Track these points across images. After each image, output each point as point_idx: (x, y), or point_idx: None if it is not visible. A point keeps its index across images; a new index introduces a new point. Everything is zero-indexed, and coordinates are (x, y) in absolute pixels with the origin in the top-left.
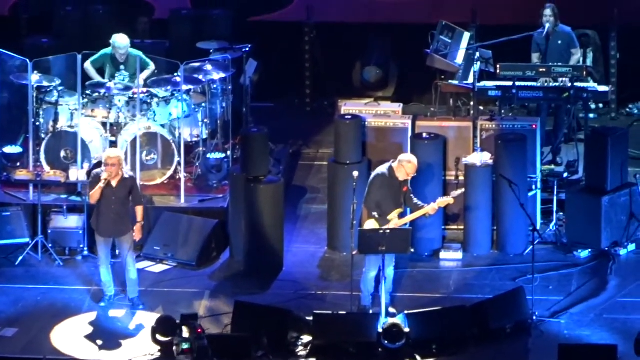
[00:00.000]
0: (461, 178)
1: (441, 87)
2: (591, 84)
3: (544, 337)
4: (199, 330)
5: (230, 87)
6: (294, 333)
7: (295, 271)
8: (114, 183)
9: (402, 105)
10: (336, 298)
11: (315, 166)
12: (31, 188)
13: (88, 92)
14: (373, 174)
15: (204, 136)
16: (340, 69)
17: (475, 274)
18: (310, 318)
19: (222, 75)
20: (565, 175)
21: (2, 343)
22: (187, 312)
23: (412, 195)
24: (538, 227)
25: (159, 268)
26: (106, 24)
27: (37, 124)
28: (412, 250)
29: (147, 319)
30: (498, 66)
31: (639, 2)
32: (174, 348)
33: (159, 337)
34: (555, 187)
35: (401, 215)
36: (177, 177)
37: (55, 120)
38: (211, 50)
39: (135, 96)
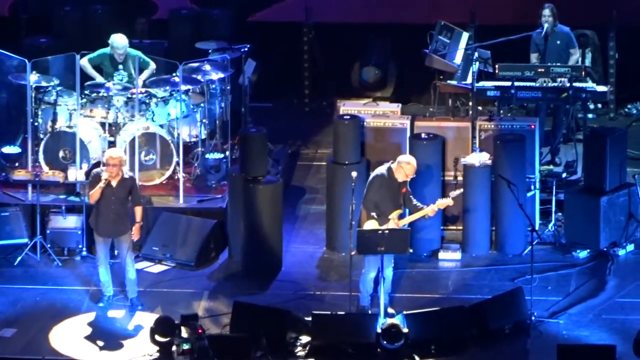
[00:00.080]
0: (460, 178)
1: (440, 87)
2: (590, 84)
3: (543, 338)
4: (200, 331)
5: (229, 87)
6: (292, 333)
7: (294, 271)
8: (114, 183)
9: (400, 105)
10: (335, 298)
11: (314, 166)
12: (30, 188)
13: (87, 92)
14: (372, 174)
15: (203, 136)
16: (339, 69)
17: (474, 274)
18: (309, 318)
19: (221, 75)
20: (564, 175)
21: (1, 343)
22: (187, 313)
23: (411, 196)
24: (537, 228)
25: (157, 268)
26: (105, 24)
27: (36, 124)
28: (411, 250)
29: (146, 319)
30: (497, 66)
31: (638, 2)
32: (175, 349)
33: (157, 337)
34: (554, 187)
35: (400, 217)
36: (176, 177)
37: (54, 121)
38: (210, 51)
39: (134, 96)
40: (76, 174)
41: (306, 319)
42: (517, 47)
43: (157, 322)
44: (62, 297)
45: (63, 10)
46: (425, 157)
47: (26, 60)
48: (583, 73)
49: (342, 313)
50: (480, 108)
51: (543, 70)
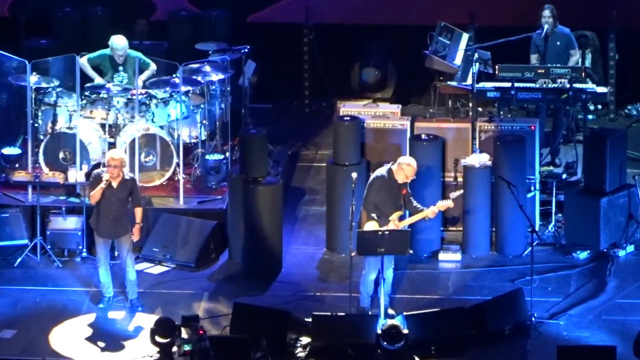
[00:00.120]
0: (460, 179)
1: (440, 88)
2: (590, 85)
3: (543, 339)
4: (201, 332)
5: (229, 89)
6: (292, 334)
7: (294, 272)
8: (114, 184)
9: (400, 106)
10: (335, 299)
11: (314, 167)
12: (30, 189)
13: (87, 93)
14: (372, 176)
15: (203, 137)
16: (338, 71)
17: (474, 275)
18: (309, 319)
19: (221, 76)
20: (564, 176)
21: (1, 345)
22: (187, 314)
23: (411, 198)
24: (537, 229)
25: (157, 269)
26: (105, 26)
27: (36, 125)
28: (411, 251)
29: (146, 320)
30: (497, 67)
31: (638, 3)
32: (176, 350)
33: (157, 338)
34: (554, 188)
35: (400, 218)
36: (176, 178)
37: (54, 122)
38: (210, 52)
39: (134, 97)
40: (76, 175)
41: (306, 320)
42: (517, 48)
43: (157, 323)
44: (62, 298)
45: (63, 11)
46: (425, 158)
47: (26, 62)
48: (583, 74)
49: (342, 314)
50: (480, 109)
51: (543, 71)
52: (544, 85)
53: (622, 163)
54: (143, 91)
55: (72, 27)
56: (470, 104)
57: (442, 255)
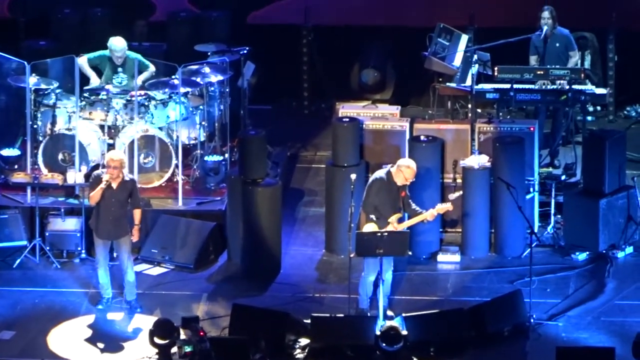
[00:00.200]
0: (459, 181)
1: (439, 89)
2: (589, 87)
3: (542, 340)
4: (202, 333)
5: (228, 90)
6: (291, 336)
7: (293, 274)
8: (114, 185)
9: (399, 107)
10: (334, 301)
11: (313, 169)
12: (29, 191)
13: (86, 94)
14: (371, 178)
15: (202, 139)
16: (338, 72)
17: (473, 276)
18: (308, 321)
19: (220, 77)
20: (563, 177)
21: (0, 346)
22: (187, 315)
23: (410, 201)
24: (536, 230)
25: (156, 271)
26: (104, 27)
27: (35, 126)
28: (410, 253)
29: (145, 321)
30: (496, 69)
31: (637, 4)
32: (177, 351)
33: (156, 339)
34: (553, 189)
35: (400, 221)
36: (175, 179)
37: (53, 123)
38: (209, 53)
39: (133, 99)
40: (75, 177)
41: (305, 321)
42: (517, 49)
43: (156, 324)
44: (61, 299)
45: (62, 12)
46: (425, 160)
47: (25, 63)
48: (582, 75)
49: (341, 315)
50: (479, 110)
51: (542, 72)
52: (543, 87)
53: (621, 164)
54: (142, 92)
55: (71, 28)
56: (470, 106)
57: (441, 257)
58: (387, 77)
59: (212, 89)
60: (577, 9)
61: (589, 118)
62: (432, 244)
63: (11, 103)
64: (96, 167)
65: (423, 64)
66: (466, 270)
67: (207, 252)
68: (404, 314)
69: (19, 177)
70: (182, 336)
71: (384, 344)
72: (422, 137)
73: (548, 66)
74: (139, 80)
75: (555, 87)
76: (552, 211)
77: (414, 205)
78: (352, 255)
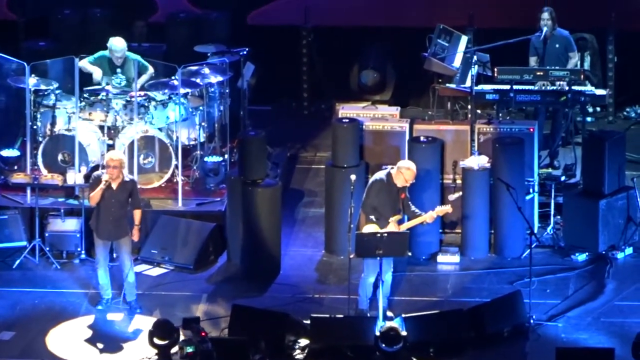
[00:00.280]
0: (459, 181)
1: (439, 90)
2: (589, 88)
3: (541, 341)
4: (203, 334)
5: (227, 91)
6: (291, 336)
7: (293, 274)
8: (114, 185)
9: (399, 108)
10: (333, 301)
11: (313, 169)
12: (29, 191)
13: (85, 95)
14: (371, 179)
15: (202, 139)
16: (337, 73)
17: (473, 277)
18: (308, 321)
19: (220, 78)
20: (563, 178)
21: None
22: (188, 316)
23: (410, 203)
24: (535, 231)
25: (156, 271)
26: (104, 28)
27: (35, 127)
28: (410, 253)
29: (145, 322)
30: (495, 70)
31: (637, 5)
32: (178, 352)
33: (156, 340)
34: (553, 190)
35: (399, 222)
36: (175, 180)
37: (53, 124)
38: (209, 54)
39: (133, 99)
40: (75, 177)
41: (305, 322)
42: (516, 50)
43: (155, 325)
44: (61, 300)
45: (62, 13)
46: (424, 161)
47: (25, 64)
48: (582, 76)
49: (341, 316)
50: (479, 111)
51: (542, 73)
52: (543, 88)
53: (621, 165)
54: (142, 93)
55: (71, 29)
56: (469, 106)
57: (440, 258)
58: (386, 78)
59: (212, 89)
60: (576, 10)
61: (589, 119)
62: (432, 244)
63: (11, 104)
64: (96, 167)
65: (423, 64)
66: (466, 271)
67: (206, 252)
68: (403, 315)
69: (18, 178)
70: (182, 337)
71: (383, 345)
72: (421, 138)
73: (548, 67)
74: (138, 83)
75: (554, 88)
76: (552, 212)
77: (413, 207)
78: (351, 256)
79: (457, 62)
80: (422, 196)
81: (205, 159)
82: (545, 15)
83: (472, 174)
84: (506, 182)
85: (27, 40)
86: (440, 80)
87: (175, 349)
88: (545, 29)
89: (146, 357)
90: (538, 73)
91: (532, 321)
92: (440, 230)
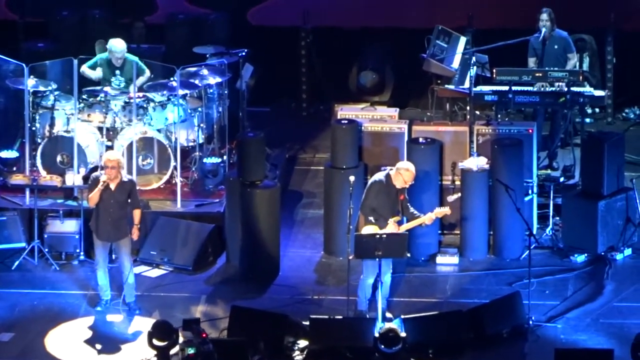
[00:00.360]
0: (457, 183)
1: (437, 91)
2: (587, 89)
3: (541, 342)
4: (204, 335)
5: (226, 92)
6: (290, 337)
7: (292, 276)
8: (112, 186)
9: (398, 109)
10: (332, 303)
11: (312, 171)
12: (27, 193)
13: (84, 96)
14: (370, 180)
15: (200, 141)
16: (336, 74)
17: (472, 278)
18: (307, 323)
19: (219, 79)
20: (562, 179)
21: None
22: (188, 317)
23: (409, 204)
24: (534, 232)
25: (155, 272)
26: (103, 29)
27: (33, 128)
28: (409, 254)
29: (144, 323)
30: (494, 71)
31: (636, 6)
32: (180, 353)
33: (155, 341)
34: (552, 191)
35: (398, 224)
36: (174, 181)
37: (52, 125)
38: (207, 55)
39: (132, 101)
40: (74, 179)
41: (304, 323)
42: (515, 51)
43: (154, 326)
44: (60, 301)
45: (61, 14)
46: (423, 162)
47: (24, 65)
48: (581, 77)
49: (340, 317)
50: (477, 112)
51: (541, 74)
52: (542, 89)
53: (620, 166)
54: (141, 94)
55: (69, 30)
56: (468, 108)
57: (439, 259)
58: (385, 79)
59: (211, 91)
60: (575, 11)
61: (588, 120)
62: (431, 246)
63: (10, 105)
64: (95, 169)
65: (421, 66)
66: (465, 272)
67: (205, 254)
68: (402, 316)
69: (17, 179)
70: (181, 338)
71: (382, 346)
72: (420, 139)
73: (546, 68)
74: (136, 84)
75: (553, 89)
76: (551, 213)
77: (412, 209)
78: (350, 257)
79: (456, 63)
80: (421, 197)
81: (204, 160)
82: (544, 16)
83: (471, 175)
84: (505, 184)
85: (26, 42)
86: (439, 82)
87: (176, 350)
88: (544, 30)
89: (145, 358)
90: (537, 74)
91: (531, 322)
92: (439, 232)
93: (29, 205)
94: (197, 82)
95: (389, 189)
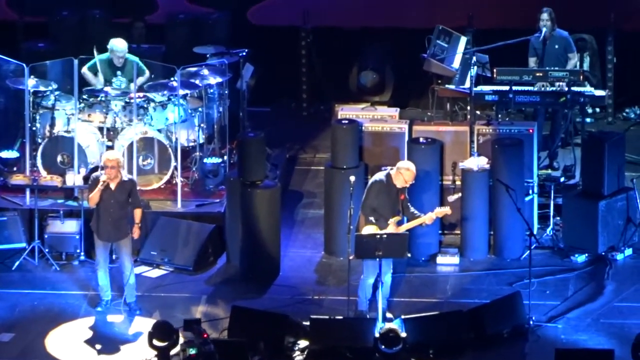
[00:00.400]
0: (458, 183)
1: (438, 91)
2: (588, 89)
3: (541, 342)
4: (205, 335)
5: (226, 92)
6: (290, 338)
7: (292, 276)
8: (112, 186)
9: (398, 109)
10: (333, 303)
11: (312, 171)
12: (28, 193)
13: (85, 96)
14: (371, 180)
15: (201, 141)
16: (337, 74)
17: (472, 278)
18: (307, 323)
19: (219, 79)
20: (562, 179)
21: None
22: (189, 317)
23: (409, 204)
24: (535, 232)
25: (155, 273)
26: (103, 29)
27: (34, 128)
28: (409, 254)
29: (144, 323)
30: (495, 70)
31: (636, 6)
32: (181, 353)
33: (155, 342)
34: (552, 191)
35: (398, 224)
36: (174, 181)
37: (52, 125)
38: (208, 55)
39: (132, 101)
40: (74, 179)
41: (304, 323)
42: (515, 51)
43: (155, 326)
44: (60, 301)
45: (60, 14)
46: (424, 162)
47: (24, 65)
48: (581, 77)
49: (340, 317)
50: (478, 112)
51: (541, 74)
52: (542, 89)
53: (620, 166)
54: (141, 94)
55: (70, 30)
56: (469, 107)
57: (440, 259)
58: (386, 79)
59: (211, 91)
60: (575, 10)
61: (588, 120)
62: (432, 246)
63: (10, 105)
64: (95, 169)
65: (422, 65)
66: (465, 272)
67: (206, 254)
68: (403, 316)
69: (18, 179)
70: (182, 338)
71: (383, 346)
72: (421, 139)
73: (547, 68)
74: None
75: (554, 89)
76: (551, 213)
77: (412, 209)
78: (351, 258)
79: (457, 63)
80: (422, 197)
81: (205, 160)
82: (545, 16)
83: (472, 175)
84: (505, 183)
85: (26, 42)
86: (439, 81)
87: (177, 351)
88: (544, 29)
89: (146, 358)
90: (537, 74)
91: (531, 322)
92: (440, 232)
93: (29, 206)
94: (197, 82)
95: (390, 189)
